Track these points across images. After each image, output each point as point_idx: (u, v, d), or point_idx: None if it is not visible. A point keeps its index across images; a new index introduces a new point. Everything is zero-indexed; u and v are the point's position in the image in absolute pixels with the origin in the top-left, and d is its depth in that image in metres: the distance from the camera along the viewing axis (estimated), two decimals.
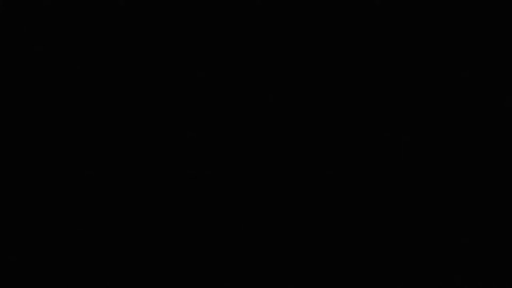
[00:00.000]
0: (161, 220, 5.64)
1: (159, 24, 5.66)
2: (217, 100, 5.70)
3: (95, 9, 5.62)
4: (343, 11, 5.63)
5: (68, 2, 5.60)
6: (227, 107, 5.70)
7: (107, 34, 5.65)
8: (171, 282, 5.55)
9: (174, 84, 5.70)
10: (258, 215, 5.65)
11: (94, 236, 5.58)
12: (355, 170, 5.65)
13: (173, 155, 5.68)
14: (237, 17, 5.64)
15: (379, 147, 5.63)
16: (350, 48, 5.68)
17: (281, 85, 5.70)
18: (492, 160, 5.59)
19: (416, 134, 5.64)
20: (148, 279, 5.55)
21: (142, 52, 5.67)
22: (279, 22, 5.65)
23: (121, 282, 5.53)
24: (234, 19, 5.65)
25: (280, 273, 5.58)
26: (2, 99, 5.62)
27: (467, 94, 5.60)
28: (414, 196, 5.58)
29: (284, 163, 5.70)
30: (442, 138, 5.64)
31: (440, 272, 5.51)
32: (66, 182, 5.61)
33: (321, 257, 5.58)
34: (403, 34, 5.64)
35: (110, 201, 5.62)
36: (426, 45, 5.64)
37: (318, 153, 5.68)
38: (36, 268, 5.50)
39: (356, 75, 5.69)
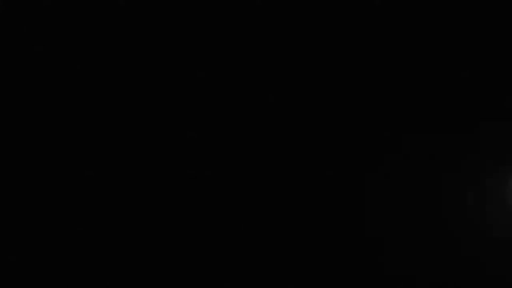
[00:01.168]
0: (161, 220, 5.65)
1: (159, 24, 5.66)
2: (217, 100, 5.70)
3: (95, 9, 5.62)
4: (343, 11, 5.63)
5: (68, 2, 5.60)
6: (227, 107, 5.70)
7: (107, 34, 5.66)
8: (171, 282, 5.56)
9: (174, 84, 5.70)
10: (258, 215, 5.66)
11: (94, 236, 5.59)
12: (355, 170, 5.66)
13: (173, 155, 5.69)
14: (237, 17, 5.65)
15: (379, 146, 5.64)
16: (350, 48, 5.69)
17: (281, 85, 5.70)
18: (492, 160, 5.60)
19: (416, 134, 5.65)
20: (148, 279, 5.55)
21: (142, 52, 5.67)
22: (279, 22, 5.66)
23: (121, 282, 5.54)
24: (234, 19, 5.65)
25: (279, 273, 5.59)
26: (2, 99, 5.62)
27: (467, 94, 5.61)
28: (413, 196, 5.60)
29: (284, 162, 5.71)
30: (442, 138, 5.65)
31: (440, 272, 5.53)
32: (66, 182, 5.61)
33: (320, 257, 5.59)
34: (403, 34, 5.65)
35: (110, 201, 5.63)
36: (426, 45, 5.65)
37: (318, 153, 5.69)
38: (36, 268, 5.51)
39: (356, 74, 5.70)
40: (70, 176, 5.61)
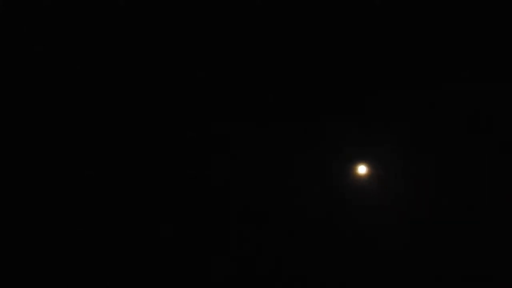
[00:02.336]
0: (161, 219, 5.66)
1: (159, 24, 5.66)
2: (217, 100, 5.71)
3: (95, 9, 5.62)
4: (343, 11, 5.63)
5: (68, 2, 5.60)
6: (227, 107, 5.71)
7: (107, 34, 5.65)
8: (170, 280, 5.58)
9: (174, 84, 5.70)
10: (259, 214, 5.67)
11: (94, 235, 5.60)
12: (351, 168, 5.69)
13: (173, 155, 5.70)
14: (237, 17, 5.64)
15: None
16: (350, 47, 5.69)
17: (281, 85, 5.71)
18: (492, 161, 5.62)
19: (413, 133, 5.68)
20: (148, 278, 5.57)
21: (142, 52, 5.67)
22: (279, 22, 5.65)
23: (121, 281, 5.55)
24: (234, 19, 5.65)
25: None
26: (2, 99, 5.63)
27: (467, 94, 5.62)
28: None
29: (283, 162, 5.73)
30: (441, 138, 5.67)
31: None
32: (66, 182, 5.62)
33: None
34: (403, 34, 5.64)
35: (110, 201, 5.64)
36: (426, 45, 5.65)
37: (317, 154, 5.71)
38: (36, 268, 5.52)
39: (355, 74, 5.71)
40: (70, 176, 5.62)
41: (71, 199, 5.62)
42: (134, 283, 5.55)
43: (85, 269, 5.54)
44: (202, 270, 5.62)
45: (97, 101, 5.67)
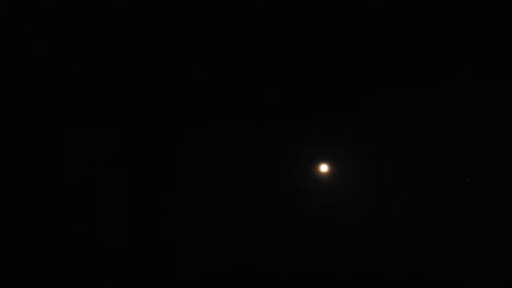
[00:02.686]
0: (161, 220, 5.66)
1: (159, 24, 5.66)
2: (217, 100, 5.71)
3: (95, 9, 5.62)
4: (343, 11, 5.63)
5: (68, 2, 5.60)
6: (227, 107, 5.71)
7: (107, 34, 5.65)
8: (170, 280, 5.58)
9: (174, 84, 5.70)
10: (258, 214, 5.67)
11: (94, 235, 5.60)
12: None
13: (173, 155, 5.70)
14: (237, 17, 5.64)
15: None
16: (350, 47, 5.69)
17: (281, 85, 5.71)
18: (491, 161, 5.62)
19: (413, 133, 5.68)
20: (148, 278, 5.57)
21: (142, 52, 5.67)
22: (279, 22, 5.65)
23: (121, 282, 5.55)
24: (234, 19, 5.65)
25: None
26: (2, 99, 5.62)
27: (467, 94, 5.61)
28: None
29: (283, 162, 5.72)
30: (441, 138, 5.67)
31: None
32: (66, 182, 5.62)
33: None
34: (403, 34, 5.64)
35: (110, 201, 5.63)
36: (426, 45, 5.65)
37: (317, 154, 5.71)
38: (36, 268, 5.51)
39: (355, 74, 5.71)
40: (70, 176, 5.63)
41: (71, 199, 5.62)
42: (134, 283, 5.54)
43: (85, 269, 5.54)
44: (202, 270, 5.61)
45: (97, 101, 5.67)
